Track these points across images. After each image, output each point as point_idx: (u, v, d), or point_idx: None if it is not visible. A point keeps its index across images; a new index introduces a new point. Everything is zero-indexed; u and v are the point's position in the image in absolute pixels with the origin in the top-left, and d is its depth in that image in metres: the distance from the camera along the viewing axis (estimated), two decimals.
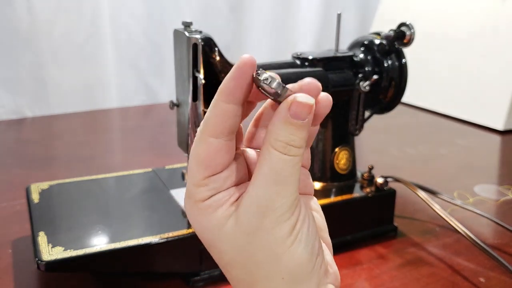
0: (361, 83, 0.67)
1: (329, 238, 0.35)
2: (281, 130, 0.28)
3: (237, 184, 0.31)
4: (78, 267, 0.53)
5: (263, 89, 0.28)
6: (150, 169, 0.75)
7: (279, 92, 0.28)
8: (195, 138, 0.30)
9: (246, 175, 0.32)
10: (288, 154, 0.28)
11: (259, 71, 0.28)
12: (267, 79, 0.28)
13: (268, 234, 0.29)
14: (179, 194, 0.67)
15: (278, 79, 0.29)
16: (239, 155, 0.32)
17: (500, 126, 1.20)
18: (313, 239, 0.31)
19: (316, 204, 0.35)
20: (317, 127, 0.33)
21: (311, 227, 0.31)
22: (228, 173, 0.30)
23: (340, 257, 0.65)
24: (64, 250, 0.52)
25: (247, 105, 0.31)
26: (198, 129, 0.30)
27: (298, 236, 0.29)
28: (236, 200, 0.30)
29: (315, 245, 0.31)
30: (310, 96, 0.28)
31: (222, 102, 0.28)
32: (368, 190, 0.70)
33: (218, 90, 0.29)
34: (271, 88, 0.28)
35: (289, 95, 0.28)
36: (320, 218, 0.35)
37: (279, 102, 0.28)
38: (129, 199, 0.67)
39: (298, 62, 0.67)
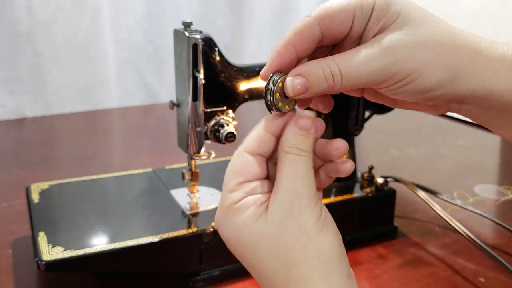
0: None
1: None
2: (292, 139, 0.35)
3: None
4: (78, 267, 0.53)
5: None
6: (150, 169, 0.75)
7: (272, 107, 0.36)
8: (234, 153, 0.36)
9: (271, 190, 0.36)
10: (301, 155, 0.34)
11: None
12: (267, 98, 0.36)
13: (299, 219, 0.33)
14: (179, 194, 0.67)
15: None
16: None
17: None
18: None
19: None
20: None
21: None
22: (258, 184, 0.35)
23: None
24: (64, 250, 0.52)
25: None
26: (239, 147, 0.36)
27: (325, 222, 0.34)
28: (265, 202, 0.35)
29: (339, 236, 0.35)
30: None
31: (263, 131, 0.36)
32: (368, 190, 0.70)
33: (264, 120, 0.36)
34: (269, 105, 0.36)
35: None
36: None
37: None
38: (129, 199, 0.67)
39: None
